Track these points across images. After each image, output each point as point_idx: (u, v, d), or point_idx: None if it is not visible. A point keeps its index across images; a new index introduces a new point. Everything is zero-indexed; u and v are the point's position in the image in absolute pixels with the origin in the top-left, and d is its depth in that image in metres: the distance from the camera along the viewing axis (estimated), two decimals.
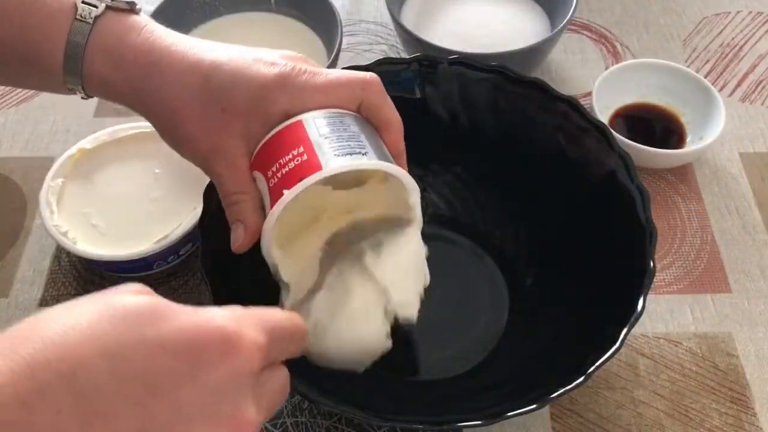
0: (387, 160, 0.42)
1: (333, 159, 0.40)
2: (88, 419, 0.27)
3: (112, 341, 0.28)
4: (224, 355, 0.30)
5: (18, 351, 0.26)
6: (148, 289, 0.31)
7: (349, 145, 0.41)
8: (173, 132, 0.45)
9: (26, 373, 0.26)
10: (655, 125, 0.69)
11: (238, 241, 0.43)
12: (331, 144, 0.41)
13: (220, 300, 0.44)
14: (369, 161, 0.41)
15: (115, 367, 0.27)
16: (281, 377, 0.34)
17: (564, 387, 0.42)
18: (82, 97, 0.47)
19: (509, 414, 0.41)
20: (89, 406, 0.27)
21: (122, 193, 0.59)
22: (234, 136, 0.43)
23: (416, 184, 0.44)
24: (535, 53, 0.68)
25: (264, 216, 0.42)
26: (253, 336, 0.31)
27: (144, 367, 0.28)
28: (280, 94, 0.43)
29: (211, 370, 0.29)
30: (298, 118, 0.43)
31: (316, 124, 0.42)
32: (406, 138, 0.46)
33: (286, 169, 0.41)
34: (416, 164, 0.58)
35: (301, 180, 0.40)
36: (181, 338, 0.29)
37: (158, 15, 0.69)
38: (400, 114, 0.45)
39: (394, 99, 0.45)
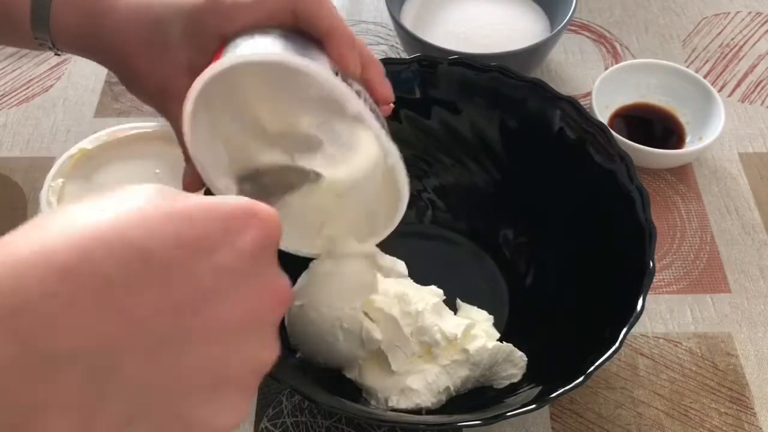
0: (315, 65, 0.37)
1: (235, 54, 0.37)
2: (139, 288, 0.25)
3: (140, 216, 0.26)
4: (251, 221, 0.28)
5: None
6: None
7: (264, 44, 0.38)
8: (125, 72, 0.45)
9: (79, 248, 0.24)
10: (655, 125, 0.69)
11: (187, 177, 0.43)
12: (243, 47, 0.38)
13: None
14: (266, 52, 0.37)
15: (150, 238, 0.25)
16: None
17: (564, 387, 0.42)
18: (56, 53, 0.47)
19: (509, 414, 0.41)
20: (140, 274, 0.25)
21: None
22: (181, 72, 0.42)
23: (344, 91, 0.37)
24: (535, 53, 0.68)
25: None
26: (266, 207, 0.29)
27: (178, 235, 0.26)
28: (212, 17, 0.41)
29: (242, 235, 0.28)
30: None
31: (235, 41, 0.40)
32: (406, 138, 0.45)
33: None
34: (417, 164, 0.58)
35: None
36: (204, 209, 0.27)
37: None
38: (400, 114, 0.44)
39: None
